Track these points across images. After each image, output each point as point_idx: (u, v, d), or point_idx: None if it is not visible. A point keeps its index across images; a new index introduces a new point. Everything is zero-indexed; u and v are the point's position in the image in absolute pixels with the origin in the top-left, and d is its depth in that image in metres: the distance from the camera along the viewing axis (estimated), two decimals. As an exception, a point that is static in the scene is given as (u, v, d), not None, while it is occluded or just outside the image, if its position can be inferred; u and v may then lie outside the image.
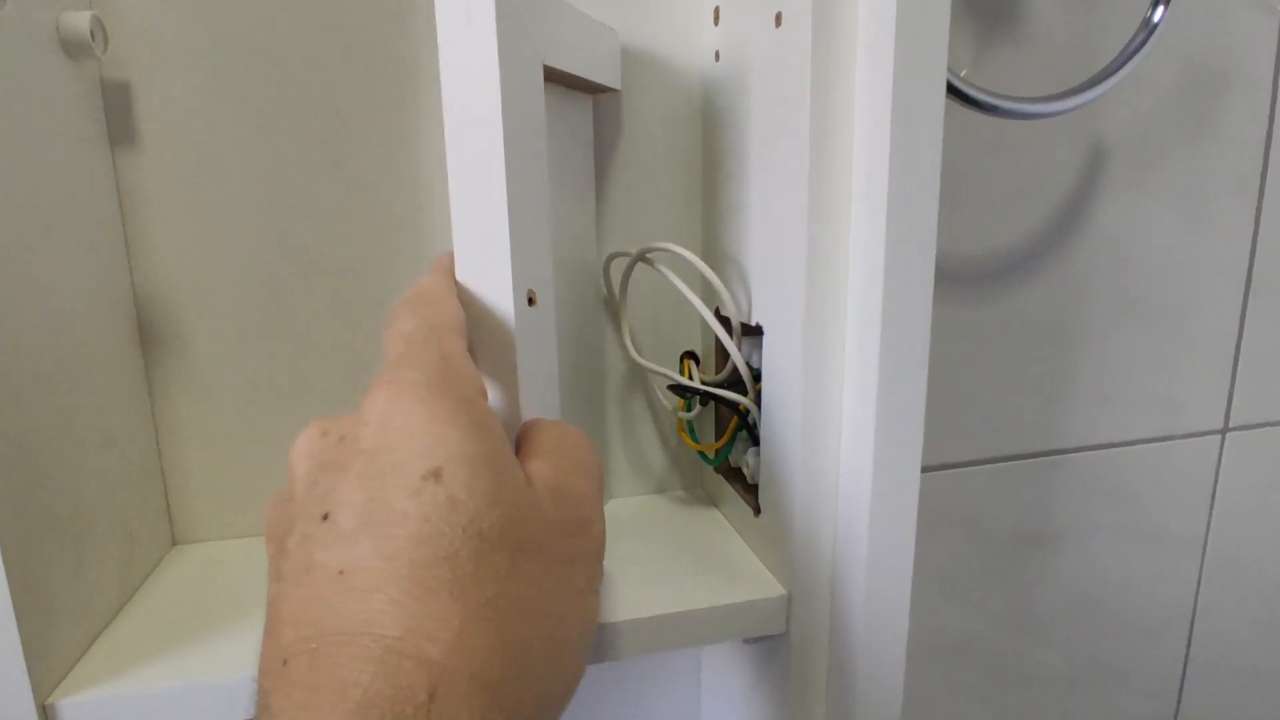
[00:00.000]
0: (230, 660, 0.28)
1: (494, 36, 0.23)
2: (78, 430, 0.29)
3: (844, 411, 0.29)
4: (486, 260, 0.25)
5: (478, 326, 0.25)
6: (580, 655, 0.21)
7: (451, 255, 0.25)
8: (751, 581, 0.32)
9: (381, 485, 0.18)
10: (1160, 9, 0.35)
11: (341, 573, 0.17)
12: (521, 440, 0.24)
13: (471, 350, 0.24)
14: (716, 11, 0.36)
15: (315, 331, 0.36)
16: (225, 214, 0.34)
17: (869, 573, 0.28)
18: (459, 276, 0.25)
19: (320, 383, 0.36)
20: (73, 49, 0.29)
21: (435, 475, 0.18)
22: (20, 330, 0.26)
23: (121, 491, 0.32)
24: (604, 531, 0.23)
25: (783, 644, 0.31)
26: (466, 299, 0.25)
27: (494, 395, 0.26)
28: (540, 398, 0.27)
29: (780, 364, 0.30)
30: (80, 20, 0.29)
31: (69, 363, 0.29)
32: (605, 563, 0.24)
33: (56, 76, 0.29)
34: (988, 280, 0.45)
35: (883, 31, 0.24)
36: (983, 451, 0.48)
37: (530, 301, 0.26)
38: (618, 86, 0.35)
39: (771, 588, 0.31)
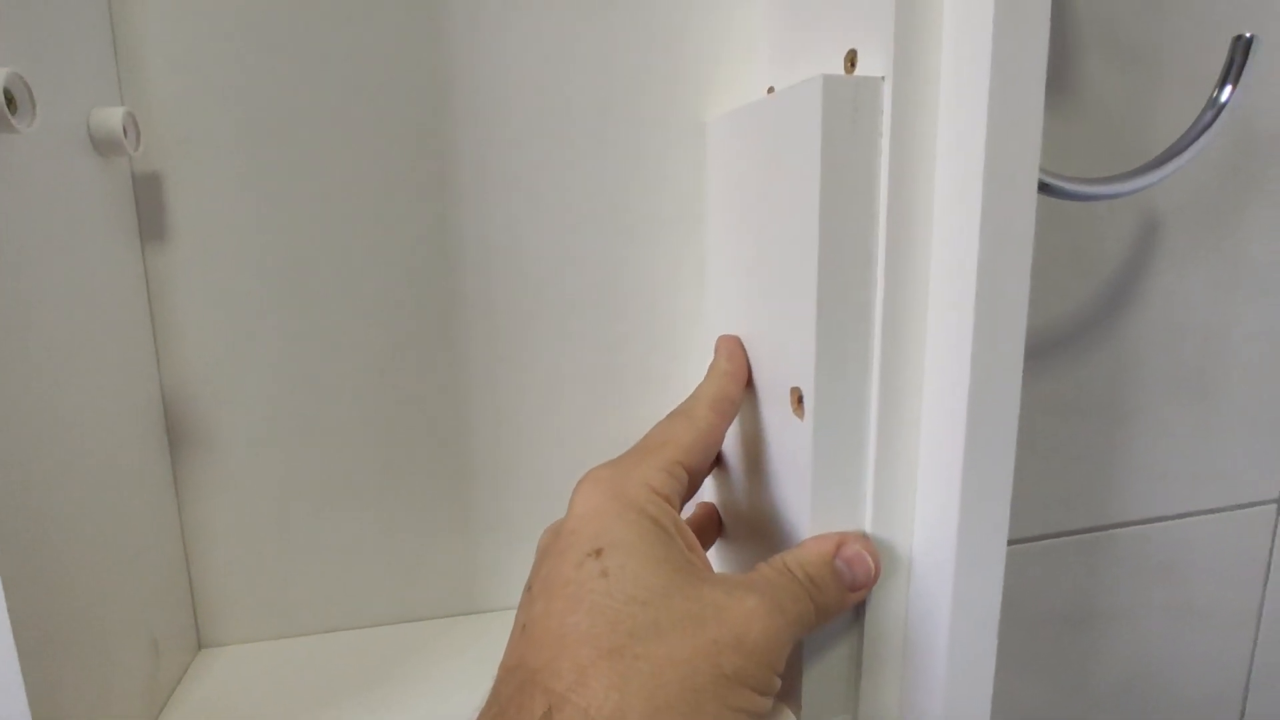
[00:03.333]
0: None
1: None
2: (102, 540, 0.28)
3: (920, 487, 0.28)
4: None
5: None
6: None
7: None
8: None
9: (560, 560, 0.23)
10: (1229, 89, 0.34)
11: (524, 627, 0.23)
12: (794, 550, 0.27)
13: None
14: (770, 91, 0.34)
15: (348, 429, 0.35)
16: (256, 308, 0.33)
17: (949, 666, 0.27)
18: None
19: (353, 480, 0.35)
20: (104, 147, 0.28)
21: (596, 553, 0.23)
22: (43, 440, 0.24)
23: (146, 598, 0.31)
24: (765, 643, 0.23)
25: None
26: None
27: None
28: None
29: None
30: (112, 117, 0.28)
31: (94, 470, 0.27)
32: None
33: (86, 175, 0.28)
34: (1039, 355, 0.44)
35: (973, 115, 0.24)
36: (1033, 529, 0.46)
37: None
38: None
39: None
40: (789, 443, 0.29)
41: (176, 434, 0.33)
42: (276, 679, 0.33)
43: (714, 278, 0.36)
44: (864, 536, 0.28)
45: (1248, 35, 0.34)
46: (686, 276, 0.37)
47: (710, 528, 0.35)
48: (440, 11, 0.32)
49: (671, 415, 0.29)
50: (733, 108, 0.35)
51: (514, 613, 0.39)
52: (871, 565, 0.27)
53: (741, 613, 0.23)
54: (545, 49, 0.34)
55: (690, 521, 0.35)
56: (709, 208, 0.36)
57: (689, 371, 0.37)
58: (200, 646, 0.35)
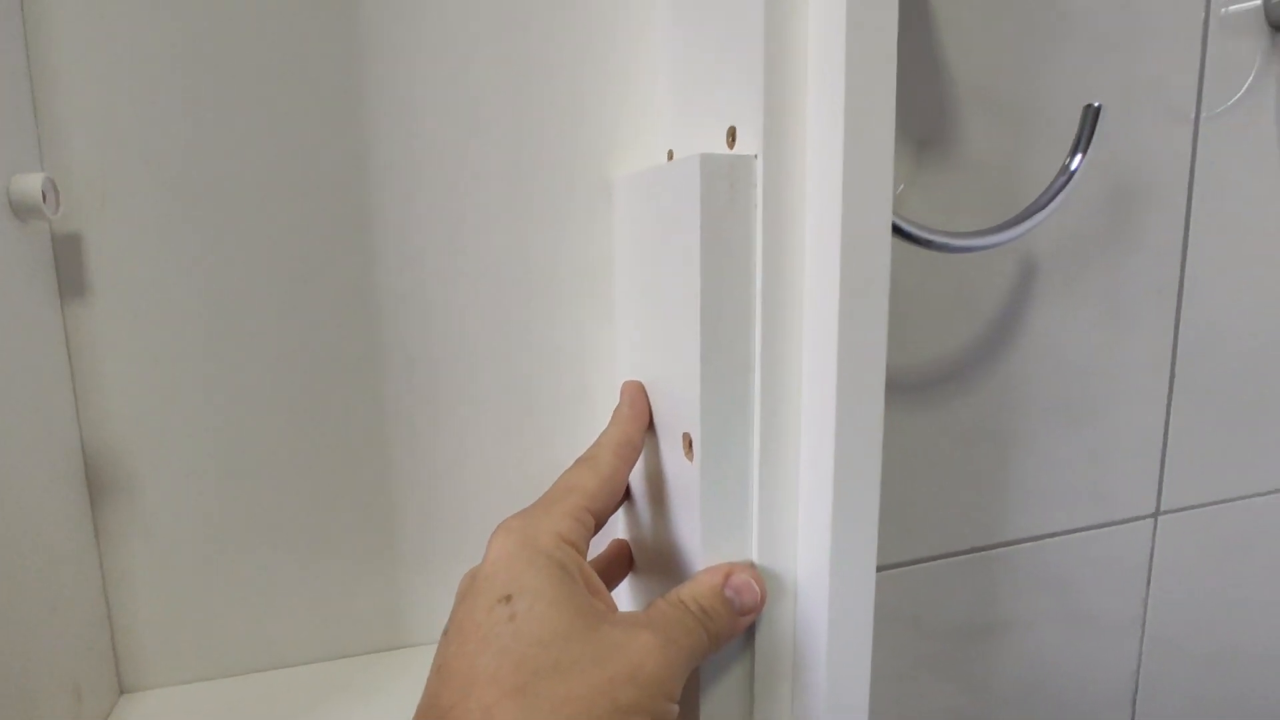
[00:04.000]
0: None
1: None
2: (22, 589, 0.28)
3: (799, 517, 0.30)
4: None
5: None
6: None
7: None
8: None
9: (474, 604, 0.25)
10: (1079, 156, 0.38)
11: (439, 668, 0.24)
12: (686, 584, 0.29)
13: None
14: (670, 154, 0.37)
15: (269, 474, 0.36)
16: (177, 360, 0.34)
17: (829, 678, 0.29)
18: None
19: (275, 523, 0.36)
20: (23, 212, 0.29)
21: (506, 599, 0.25)
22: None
23: (68, 646, 0.31)
24: (659, 675, 0.25)
25: None
26: None
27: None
28: None
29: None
30: (31, 183, 0.29)
31: (12, 521, 0.28)
32: None
33: (4, 238, 0.29)
34: (928, 388, 0.47)
35: (831, 181, 0.27)
36: (927, 549, 0.49)
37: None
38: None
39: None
40: (683, 482, 0.31)
41: (97, 483, 0.34)
42: (200, 720, 0.34)
43: (622, 326, 0.39)
44: (750, 566, 0.30)
45: (1096, 105, 0.39)
46: (596, 325, 0.39)
47: (622, 563, 0.37)
48: (356, 75, 0.34)
49: (579, 462, 0.31)
50: (637, 168, 0.37)
51: (435, 647, 0.40)
52: (758, 591, 0.29)
53: (637, 648, 0.25)
54: (459, 111, 0.36)
55: (602, 558, 0.37)
56: (617, 260, 0.39)
57: (599, 415, 0.40)
58: (121, 691, 0.36)
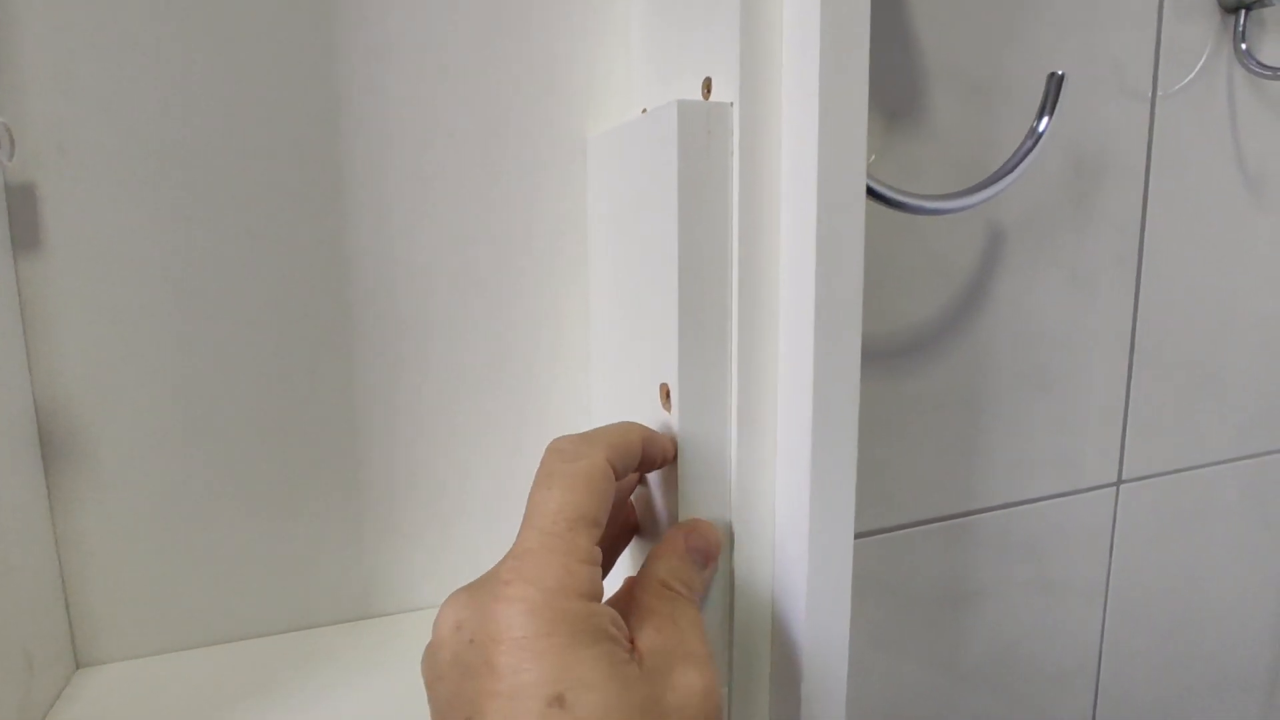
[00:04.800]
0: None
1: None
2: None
3: (777, 471, 0.30)
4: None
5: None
6: None
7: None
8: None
9: (514, 705, 0.21)
10: (1045, 120, 0.39)
11: None
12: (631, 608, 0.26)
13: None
14: (644, 111, 0.37)
15: (233, 435, 0.35)
16: (136, 317, 0.33)
17: (808, 650, 0.29)
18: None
19: (239, 488, 0.35)
20: (-28, 157, 0.28)
21: (559, 701, 0.20)
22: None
23: (19, 614, 0.30)
24: (717, 688, 0.24)
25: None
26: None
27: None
28: None
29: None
30: (-18, 127, 0.28)
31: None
32: None
33: (-47, 186, 0.27)
34: (902, 355, 0.48)
35: (806, 128, 0.27)
36: (903, 517, 0.50)
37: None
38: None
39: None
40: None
41: (50, 444, 0.32)
42: (160, 696, 0.33)
43: (595, 282, 0.39)
44: (695, 520, 0.29)
45: (1059, 73, 0.40)
46: (569, 283, 0.39)
47: (628, 532, 0.34)
48: (326, 30, 0.34)
49: (570, 475, 0.25)
50: (611, 126, 0.37)
51: (407, 616, 0.39)
52: (714, 539, 0.29)
53: (696, 698, 0.24)
54: (432, 69, 0.35)
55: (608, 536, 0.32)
56: (590, 217, 0.38)
57: (572, 375, 0.39)
58: (77, 666, 0.34)
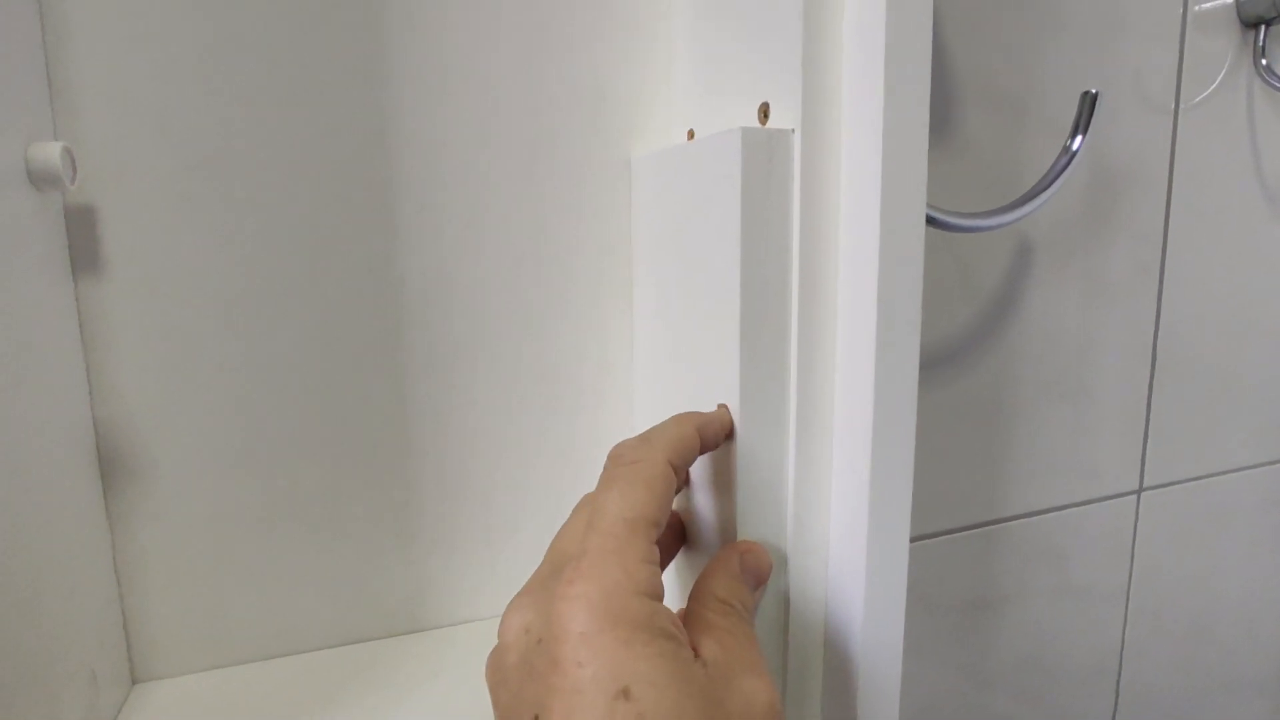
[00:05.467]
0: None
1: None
2: (38, 577, 0.27)
3: (832, 493, 0.31)
4: None
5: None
6: None
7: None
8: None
9: (579, 700, 0.21)
10: (1079, 138, 0.40)
11: None
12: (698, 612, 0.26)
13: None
14: (690, 134, 0.37)
15: (286, 454, 0.35)
16: (193, 337, 0.33)
17: (863, 659, 0.30)
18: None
19: (292, 504, 0.36)
20: (41, 181, 0.28)
21: (625, 694, 0.21)
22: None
23: (84, 633, 0.30)
24: (779, 702, 0.24)
25: None
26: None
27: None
28: None
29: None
30: (50, 152, 0.28)
31: (23, 503, 0.27)
32: None
33: (19, 209, 0.28)
34: (933, 367, 0.48)
35: (869, 156, 0.27)
36: (930, 526, 0.50)
37: None
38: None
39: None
40: (718, 453, 0.32)
41: (109, 464, 0.33)
42: (216, 711, 0.33)
43: (641, 302, 0.39)
44: (749, 542, 0.30)
45: (1093, 91, 0.40)
46: (615, 303, 0.39)
47: (675, 538, 0.35)
48: (378, 53, 0.34)
49: (627, 475, 0.26)
50: (656, 148, 0.38)
51: (459, 628, 0.39)
52: (766, 562, 0.29)
53: (760, 708, 0.24)
54: (479, 90, 0.35)
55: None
56: (636, 238, 0.39)
57: (618, 392, 0.40)
58: (134, 681, 0.35)
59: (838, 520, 0.31)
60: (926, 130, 0.28)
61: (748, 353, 0.29)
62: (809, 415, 0.30)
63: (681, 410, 0.33)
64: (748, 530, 0.30)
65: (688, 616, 0.27)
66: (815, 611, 0.32)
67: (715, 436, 0.30)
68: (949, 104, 0.46)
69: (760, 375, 0.29)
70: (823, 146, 0.29)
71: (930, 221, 0.38)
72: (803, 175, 0.29)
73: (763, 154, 0.28)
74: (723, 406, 0.30)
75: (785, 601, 0.31)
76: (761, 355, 0.29)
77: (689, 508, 0.36)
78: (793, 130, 0.28)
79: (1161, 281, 0.55)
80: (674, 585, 0.35)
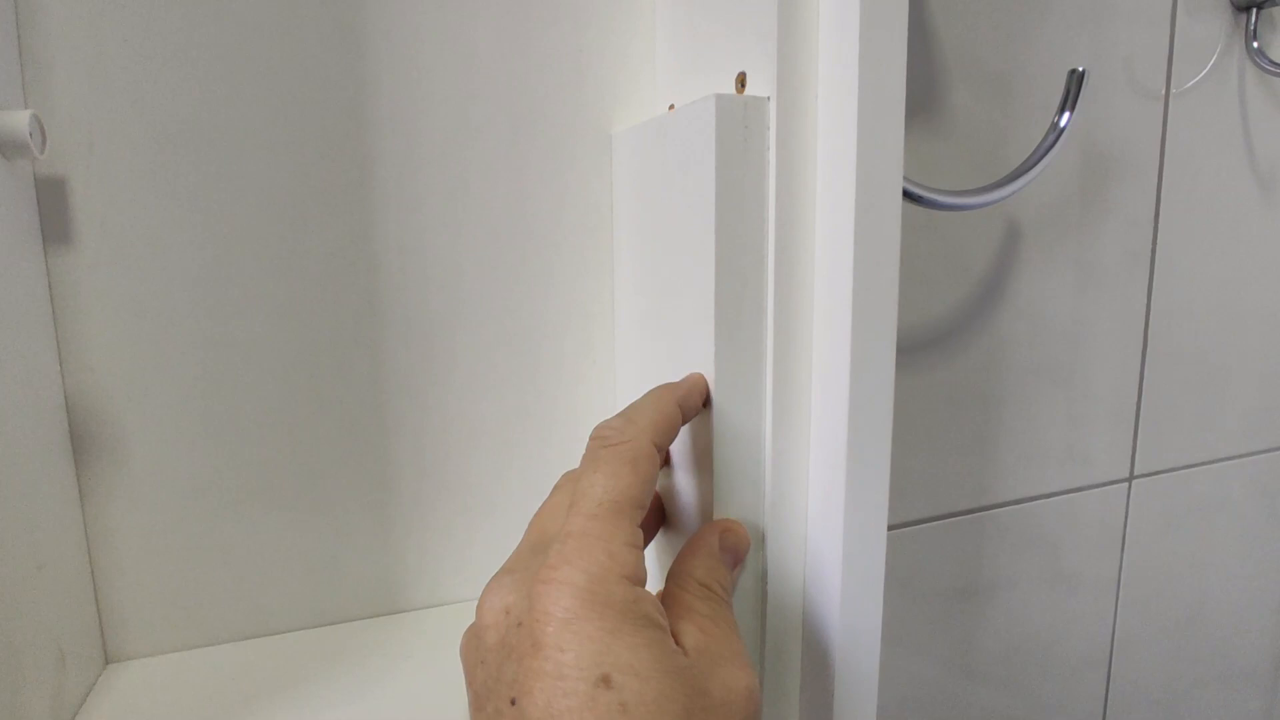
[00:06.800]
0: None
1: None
2: (4, 550, 0.27)
3: (810, 469, 0.30)
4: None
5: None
6: None
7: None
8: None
9: (561, 685, 0.21)
10: (1067, 115, 0.39)
11: None
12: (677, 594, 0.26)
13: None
14: (671, 107, 0.37)
15: (261, 432, 0.35)
16: (166, 312, 0.33)
17: (840, 643, 0.29)
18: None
19: (267, 483, 0.35)
20: (8, 149, 0.28)
21: (606, 682, 0.21)
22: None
23: (52, 610, 0.30)
24: (758, 690, 0.24)
25: None
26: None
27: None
28: None
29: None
30: (18, 120, 0.28)
31: (-1, 483, 0.27)
32: None
33: (-13, 178, 0.27)
34: (916, 350, 0.48)
35: (845, 124, 0.27)
36: (917, 512, 0.50)
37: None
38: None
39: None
40: (695, 430, 0.31)
41: (81, 440, 0.32)
42: (189, 691, 0.33)
43: (622, 277, 0.39)
44: (728, 520, 0.30)
45: (1080, 69, 0.40)
46: (596, 278, 0.39)
47: (656, 519, 0.35)
48: (356, 23, 0.33)
49: (610, 456, 0.25)
50: (636, 122, 0.37)
51: (434, 611, 0.39)
52: (745, 541, 0.29)
53: (741, 697, 0.24)
54: (458, 64, 0.35)
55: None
56: (616, 213, 0.38)
57: (602, 368, 0.39)
58: (107, 661, 0.34)
59: (815, 497, 0.30)
60: (903, 95, 0.27)
61: (723, 324, 0.29)
62: (786, 386, 0.30)
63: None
64: (726, 508, 0.30)
65: (667, 598, 0.26)
66: (794, 591, 0.31)
67: (695, 407, 0.29)
68: (937, 84, 0.46)
69: (736, 346, 0.29)
70: (799, 114, 0.28)
71: (917, 200, 0.38)
72: (779, 144, 0.28)
73: (738, 121, 0.28)
74: (698, 374, 0.30)
75: (763, 579, 0.31)
76: (737, 325, 0.29)
77: (668, 485, 0.36)
78: (768, 98, 0.28)
79: (1152, 267, 0.55)
80: (653, 564, 0.35)
